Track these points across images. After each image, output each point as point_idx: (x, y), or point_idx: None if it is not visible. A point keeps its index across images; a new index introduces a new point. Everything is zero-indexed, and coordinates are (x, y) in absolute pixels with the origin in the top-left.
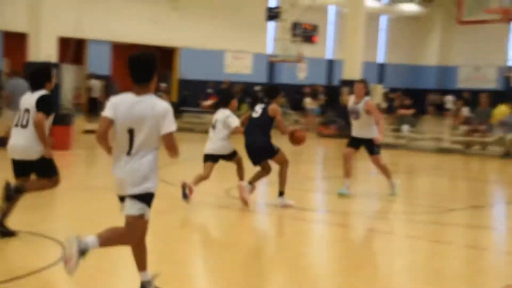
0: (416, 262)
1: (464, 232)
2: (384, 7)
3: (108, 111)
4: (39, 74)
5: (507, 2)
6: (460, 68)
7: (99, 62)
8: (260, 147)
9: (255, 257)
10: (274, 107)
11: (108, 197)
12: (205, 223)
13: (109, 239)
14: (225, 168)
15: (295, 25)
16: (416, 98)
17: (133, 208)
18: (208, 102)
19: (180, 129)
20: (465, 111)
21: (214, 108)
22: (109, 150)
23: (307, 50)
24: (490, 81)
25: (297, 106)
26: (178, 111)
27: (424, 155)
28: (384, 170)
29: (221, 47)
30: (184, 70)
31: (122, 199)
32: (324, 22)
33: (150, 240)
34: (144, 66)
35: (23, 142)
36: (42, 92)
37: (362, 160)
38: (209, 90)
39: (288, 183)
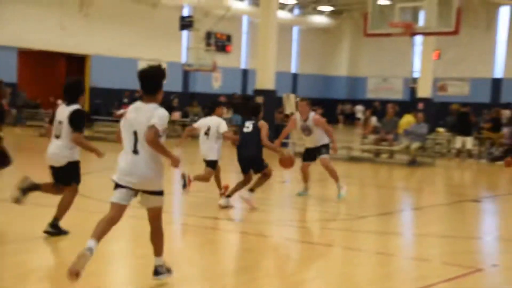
0: (329, 268)
1: (374, 239)
2: (295, 19)
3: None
4: (73, 88)
5: (409, 16)
6: (369, 79)
7: (5, 69)
8: (254, 158)
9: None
10: (262, 123)
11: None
12: (111, 234)
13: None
14: None
15: (209, 35)
16: (327, 108)
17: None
18: (121, 111)
19: (91, 139)
20: (374, 120)
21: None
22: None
23: (222, 60)
24: (397, 92)
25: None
26: (89, 120)
27: (335, 164)
28: (333, 173)
29: (135, 55)
30: (96, 78)
31: (118, 186)
32: (238, 32)
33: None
34: (151, 79)
35: (55, 151)
36: (75, 107)
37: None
38: (125, 100)
39: (207, 192)
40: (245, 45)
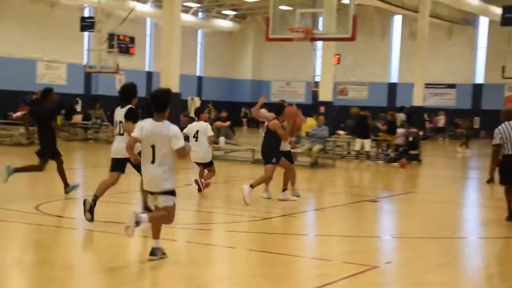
0: (232, 271)
1: (278, 240)
2: (200, 22)
3: (136, 132)
4: (127, 92)
5: (309, 22)
6: (273, 83)
7: None
8: (265, 152)
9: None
10: (272, 123)
11: None
12: (20, 242)
13: (155, 218)
14: (34, 185)
15: (111, 36)
16: (232, 111)
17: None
18: (18, 114)
19: None
20: None
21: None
22: (135, 158)
23: (126, 62)
24: (300, 95)
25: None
26: None
27: (241, 166)
28: (294, 176)
29: (33, 56)
30: None
31: (151, 193)
32: (142, 34)
33: None
34: (160, 100)
35: (120, 145)
36: (128, 106)
37: (181, 173)
38: (26, 101)
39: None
40: (149, 47)
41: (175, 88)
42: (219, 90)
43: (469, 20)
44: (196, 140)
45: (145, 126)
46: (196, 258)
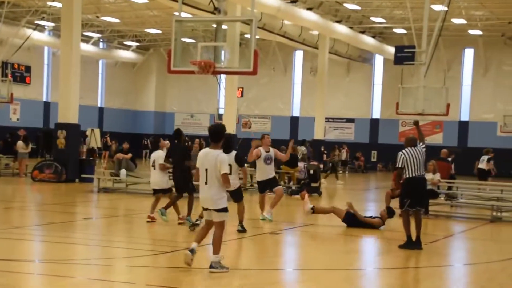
0: None
1: (181, 274)
2: (101, 52)
3: (198, 162)
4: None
5: (211, 55)
6: (177, 115)
7: None
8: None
9: None
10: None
11: None
12: None
13: (215, 244)
14: None
15: (5, 64)
16: (134, 142)
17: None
18: None
19: None
20: None
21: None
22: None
23: (21, 91)
24: (204, 128)
25: (9, 149)
26: None
27: (142, 198)
28: (278, 200)
29: None
30: None
31: (205, 209)
32: (40, 63)
33: None
34: (216, 133)
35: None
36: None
37: (80, 207)
38: None
39: None
40: (47, 76)
41: (74, 119)
42: (121, 121)
43: (366, 57)
44: (154, 169)
45: (203, 153)
46: None
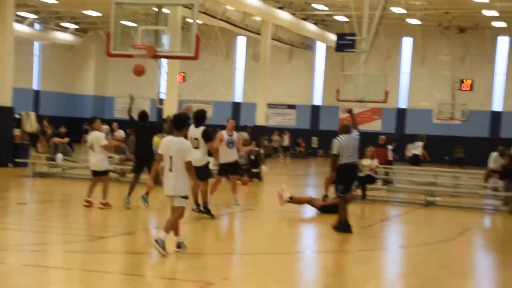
0: None
1: (117, 258)
2: (37, 33)
3: (161, 149)
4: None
5: (152, 39)
6: (117, 99)
7: None
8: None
9: None
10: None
11: None
12: None
13: (169, 225)
14: None
15: None
16: (72, 126)
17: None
18: None
19: None
20: (122, 133)
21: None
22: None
23: None
24: None
25: None
26: None
27: (80, 183)
28: (236, 187)
29: None
30: None
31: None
32: None
33: None
34: (179, 121)
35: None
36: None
37: (13, 192)
38: None
39: None
40: None
41: (7, 102)
42: (58, 105)
43: (308, 44)
44: (93, 151)
45: (167, 141)
46: (29, 281)
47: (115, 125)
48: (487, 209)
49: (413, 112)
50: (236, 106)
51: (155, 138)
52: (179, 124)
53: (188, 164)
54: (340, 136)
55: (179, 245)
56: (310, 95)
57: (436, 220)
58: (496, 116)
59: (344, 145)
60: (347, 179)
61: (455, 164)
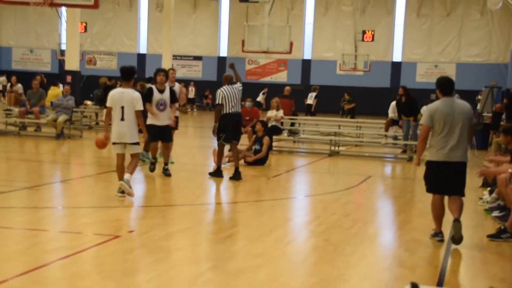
0: None
1: (20, 213)
2: None
3: (110, 102)
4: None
5: None
6: (15, 49)
7: None
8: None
9: None
10: None
11: None
12: None
13: (131, 168)
14: None
15: None
16: None
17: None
18: None
19: None
20: (20, 89)
21: None
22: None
23: None
24: (45, 64)
25: None
26: None
27: None
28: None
29: None
30: None
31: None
32: None
33: None
34: (127, 72)
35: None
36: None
37: None
38: None
39: None
40: None
41: None
42: None
43: None
44: None
45: (115, 93)
46: None
47: (14, 79)
48: (388, 158)
49: (317, 63)
50: (141, 58)
51: (53, 91)
52: (127, 75)
53: (139, 113)
54: (224, 87)
55: (124, 180)
56: (216, 47)
57: (339, 169)
58: (396, 66)
59: (227, 95)
60: (227, 128)
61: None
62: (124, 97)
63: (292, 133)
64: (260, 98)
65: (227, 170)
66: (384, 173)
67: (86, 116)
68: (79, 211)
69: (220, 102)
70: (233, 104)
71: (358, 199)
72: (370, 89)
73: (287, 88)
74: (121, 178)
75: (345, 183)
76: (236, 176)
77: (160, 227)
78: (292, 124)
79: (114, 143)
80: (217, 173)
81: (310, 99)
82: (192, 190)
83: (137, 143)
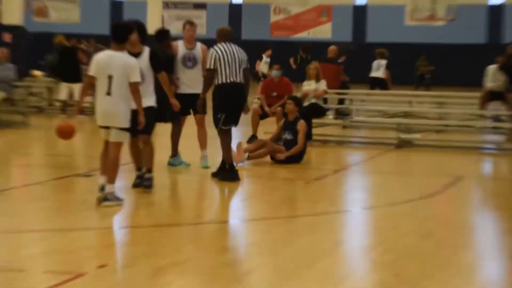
0: None
1: None
2: None
3: (94, 69)
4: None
5: None
6: None
7: None
8: None
9: None
10: None
11: None
12: None
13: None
14: None
15: None
16: None
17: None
18: None
19: None
20: None
21: None
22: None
23: None
24: None
25: None
26: None
27: None
28: (205, 137)
29: None
30: None
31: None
32: None
33: None
34: (122, 30)
35: None
36: None
37: None
38: None
39: None
40: None
41: None
42: None
43: None
44: None
45: (101, 58)
46: None
47: None
48: (486, 149)
49: (376, 10)
50: (116, 6)
51: None
52: (121, 35)
53: (135, 86)
54: (218, 44)
55: (106, 198)
56: None
57: (413, 167)
58: (496, 12)
59: (224, 57)
60: (227, 106)
61: (419, 85)
62: (114, 62)
63: (341, 114)
64: (262, 67)
65: (246, 170)
66: (482, 173)
67: (34, 93)
68: (21, 236)
69: (212, 67)
70: (232, 70)
71: (443, 212)
72: (456, 47)
73: (333, 48)
74: (102, 173)
75: (422, 188)
76: (232, 175)
77: (146, 258)
78: (341, 102)
79: (100, 126)
80: (229, 174)
81: (378, 71)
82: (195, 201)
83: (126, 129)
